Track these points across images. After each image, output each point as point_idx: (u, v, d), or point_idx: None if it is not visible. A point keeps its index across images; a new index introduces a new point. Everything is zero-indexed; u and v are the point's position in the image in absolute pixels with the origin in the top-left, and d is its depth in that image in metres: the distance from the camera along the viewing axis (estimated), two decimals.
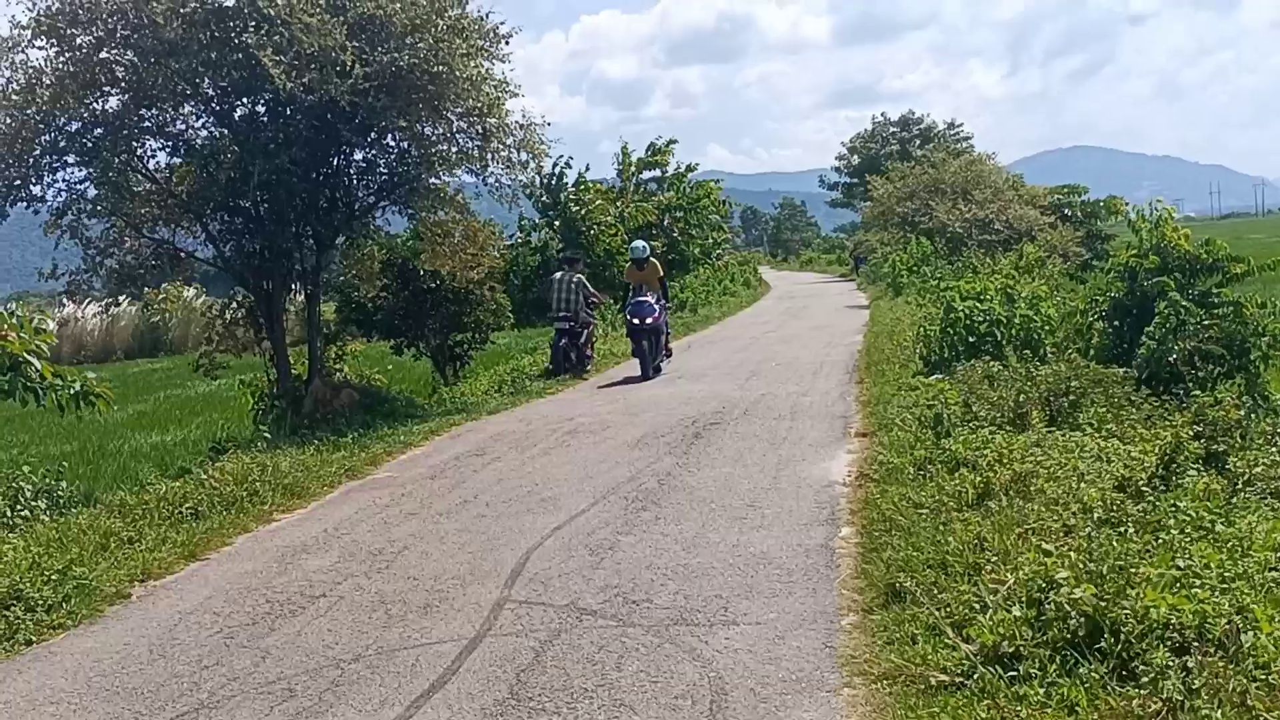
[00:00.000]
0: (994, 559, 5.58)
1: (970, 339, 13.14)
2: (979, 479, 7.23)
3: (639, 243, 19.07)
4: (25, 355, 8.62)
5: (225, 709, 4.94)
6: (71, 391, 8.90)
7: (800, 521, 7.56)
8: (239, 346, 14.56)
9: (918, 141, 68.61)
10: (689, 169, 35.36)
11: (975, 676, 4.44)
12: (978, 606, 5.00)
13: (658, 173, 34.77)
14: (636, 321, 17.07)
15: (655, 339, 17.21)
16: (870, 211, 47.35)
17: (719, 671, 4.96)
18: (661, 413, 12.92)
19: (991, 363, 11.41)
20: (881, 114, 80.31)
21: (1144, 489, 6.53)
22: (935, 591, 5.44)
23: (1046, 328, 13.21)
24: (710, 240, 37.01)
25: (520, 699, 4.80)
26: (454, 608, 6.17)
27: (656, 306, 17.22)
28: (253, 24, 11.76)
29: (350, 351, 15.87)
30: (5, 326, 8.66)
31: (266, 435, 11.86)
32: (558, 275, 19.67)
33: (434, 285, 17.70)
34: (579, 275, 20.63)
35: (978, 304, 13.44)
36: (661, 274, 18.49)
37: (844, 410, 12.28)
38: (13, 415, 10.21)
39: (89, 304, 14.56)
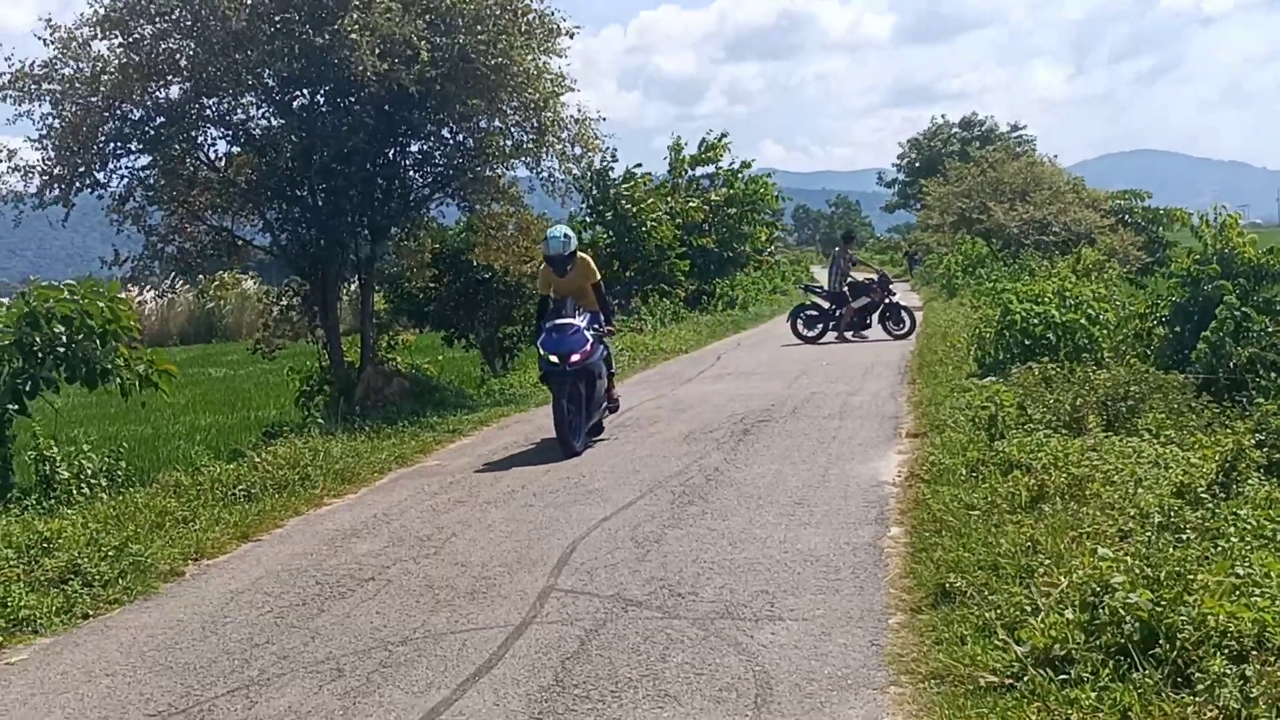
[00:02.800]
0: (1047, 562, 5.50)
1: (1026, 342, 13.00)
2: (1033, 482, 7.13)
3: (559, 229, 11.59)
4: (120, 330, 8.87)
5: (275, 686, 4.99)
6: (141, 371, 9.12)
7: (849, 520, 7.50)
8: (293, 333, 14.75)
9: (978, 143, 68.14)
10: (744, 165, 35.12)
11: (1025, 679, 4.38)
12: (1029, 609, 4.93)
13: (711, 169, 34.59)
14: (555, 360, 10.56)
15: (589, 389, 10.76)
16: (926, 215, 47.12)
17: (764, 666, 4.93)
18: (709, 409, 12.90)
19: (1049, 365, 11.28)
20: (942, 115, 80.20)
21: (1203, 496, 6.42)
22: (985, 593, 5.38)
23: (1104, 332, 13.04)
24: (762, 237, 36.86)
25: (565, 686, 4.80)
26: (500, 594, 6.19)
27: (588, 334, 10.78)
28: (325, 11, 11.89)
29: (402, 341, 15.97)
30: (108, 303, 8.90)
31: (320, 421, 11.97)
32: (835, 251, 22.98)
33: (485, 277, 17.80)
34: (846, 251, 22.94)
35: (1034, 306, 13.29)
36: (599, 278, 11.63)
37: (895, 410, 12.20)
38: (72, 395, 10.44)
39: (147, 289, 14.86)
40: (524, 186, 15.25)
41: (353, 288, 16.35)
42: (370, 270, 14.46)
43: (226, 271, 17.25)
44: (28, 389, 8.82)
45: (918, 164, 73.21)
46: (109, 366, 9.00)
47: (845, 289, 21.98)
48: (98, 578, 6.61)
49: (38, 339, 8.73)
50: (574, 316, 10.83)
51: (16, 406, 8.86)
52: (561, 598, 6.07)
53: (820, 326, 21.79)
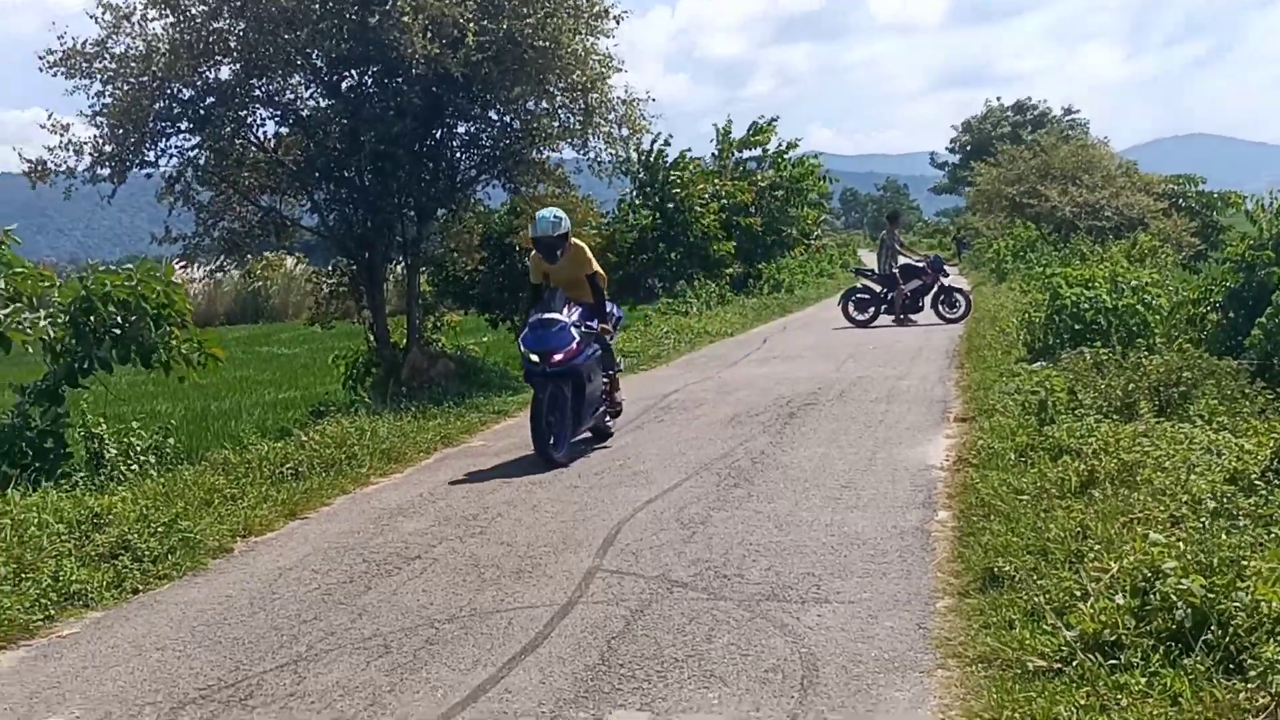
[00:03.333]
0: (1097, 547, 5.45)
1: (1076, 327, 12.86)
2: (1083, 467, 7.07)
3: (549, 211, 10.21)
4: (174, 313, 8.97)
5: (323, 661, 5.03)
6: (185, 351, 9.20)
7: (896, 504, 7.48)
8: (340, 313, 14.86)
9: (1030, 127, 67.49)
10: (790, 146, 34.93)
11: (1074, 663, 4.34)
12: (1078, 594, 4.89)
13: (758, 152, 34.44)
14: (535, 359, 9.48)
15: (577, 393, 9.66)
16: (975, 194, 46.72)
17: (810, 648, 4.92)
18: (755, 392, 12.87)
19: (1101, 350, 11.16)
20: (997, 98, 79.50)
21: (1256, 482, 6.32)
22: (1034, 577, 5.33)
23: (1157, 317, 12.88)
24: (809, 220, 36.67)
25: (611, 665, 4.81)
26: (546, 574, 6.21)
27: (574, 331, 9.66)
28: None
29: (447, 323, 16.03)
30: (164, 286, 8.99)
31: (367, 401, 12.03)
32: (883, 234, 22.81)
33: (529, 263, 17.81)
34: (893, 231, 22.81)
35: (1085, 291, 13.15)
36: (596, 268, 10.34)
37: (943, 395, 12.13)
38: (120, 374, 10.58)
39: (196, 268, 14.93)
40: (570, 168, 15.24)
41: (398, 269, 16.42)
42: (416, 252, 14.51)
43: (273, 252, 17.38)
44: (83, 367, 8.91)
45: (969, 147, 72.63)
46: (160, 348, 9.08)
47: (896, 271, 21.82)
48: (147, 553, 6.68)
49: (92, 320, 8.82)
50: (561, 311, 9.71)
51: (67, 386, 8.96)
52: (607, 578, 6.09)
53: (872, 310, 21.68)
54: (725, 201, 29.99)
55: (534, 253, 10.30)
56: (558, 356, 9.41)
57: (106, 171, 12.37)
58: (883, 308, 21.66)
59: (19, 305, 8.52)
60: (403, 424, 10.93)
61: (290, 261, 26.87)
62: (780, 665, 4.74)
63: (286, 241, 15.19)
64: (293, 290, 36.46)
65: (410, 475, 9.41)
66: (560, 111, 13.91)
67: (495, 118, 14.16)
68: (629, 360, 16.66)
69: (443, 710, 4.43)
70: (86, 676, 5.05)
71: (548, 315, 9.61)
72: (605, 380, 10.32)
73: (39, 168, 12.28)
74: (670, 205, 28.16)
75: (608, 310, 10.36)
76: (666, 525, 7.15)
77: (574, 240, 10.26)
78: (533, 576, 6.18)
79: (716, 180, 30.70)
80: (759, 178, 33.38)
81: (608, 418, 10.45)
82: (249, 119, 13.40)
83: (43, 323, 8.54)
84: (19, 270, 8.69)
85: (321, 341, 19.72)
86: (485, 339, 18.84)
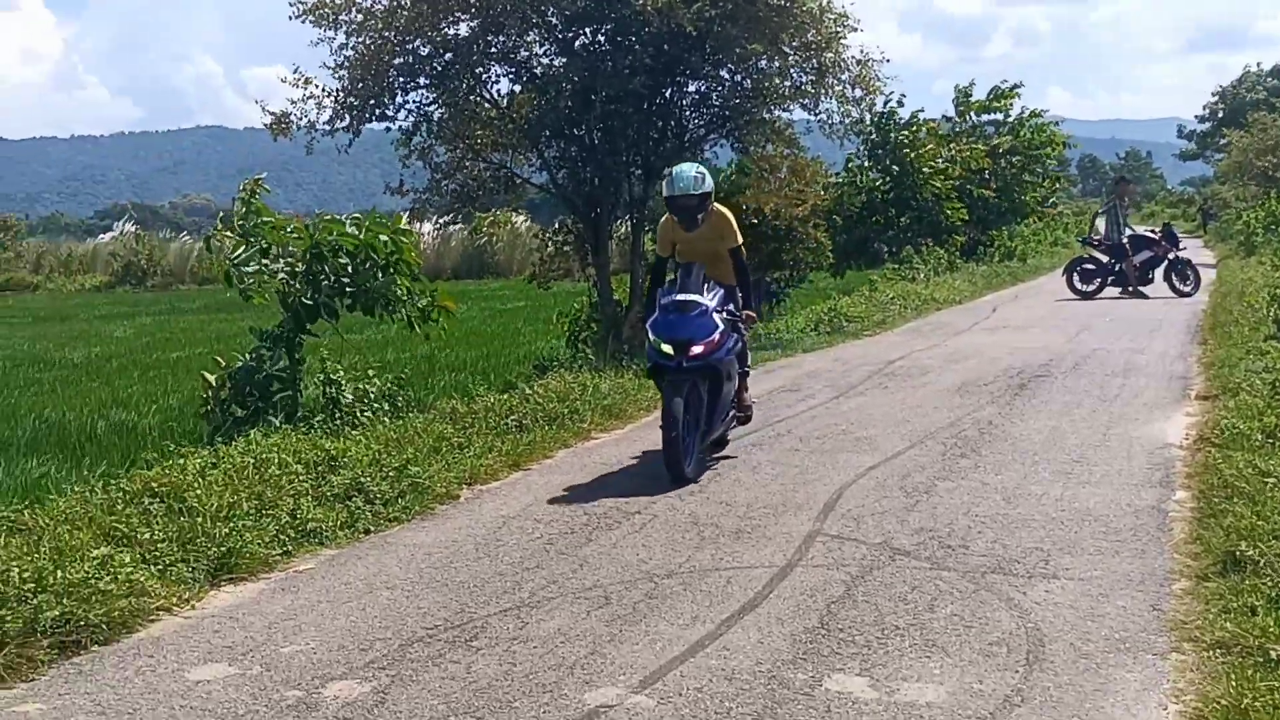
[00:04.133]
0: None
1: None
2: None
3: (690, 166, 8.49)
4: (402, 262, 9.23)
5: (545, 609, 5.10)
6: (420, 306, 9.44)
7: (1131, 481, 7.14)
8: (563, 270, 15.08)
9: None
10: (1033, 114, 33.65)
11: None
12: None
13: (998, 116, 33.34)
14: (668, 350, 7.69)
15: (712, 392, 7.86)
16: (1225, 164, 44.12)
17: (1037, 623, 4.74)
18: (984, 361, 12.52)
19: None
20: (1257, 64, 75.12)
21: None
22: None
23: None
24: (1045, 188, 35.31)
25: (830, 629, 4.73)
26: (765, 536, 6.16)
27: (717, 318, 7.89)
28: None
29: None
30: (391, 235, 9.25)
31: (589, 357, 12.16)
32: (1112, 200, 22.31)
33: (754, 221, 17.68)
34: (1122, 198, 22.26)
35: None
36: (740, 242, 8.50)
37: (1183, 371, 11.55)
38: (350, 324, 10.98)
39: (425, 223, 15.34)
40: (799, 128, 15.03)
41: (623, 228, 16.55)
42: (642, 210, 14.58)
43: (500, 209, 17.71)
44: (312, 315, 9.19)
45: (1220, 114, 68.65)
46: (390, 297, 9.31)
47: (1125, 241, 20.77)
48: (379, 496, 6.92)
49: (325, 269, 9.11)
50: (702, 292, 7.90)
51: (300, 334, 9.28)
52: (827, 542, 6.00)
53: (1098, 281, 20.77)
54: (961, 166, 29.10)
55: (665, 217, 8.60)
56: (697, 349, 7.65)
57: (345, 123, 12.79)
58: (1109, 279, 20.70)
59: (261, 250, 8.85)
60: (624, 381, 11.02)
61: (517, 218, 27.40)
62: (1005, 639, 4.58)
63: (515, 200, 15.46)
64: (518, 247, 37.22)
65: (630, 431, 9.49)
66: (792, 71, 13.72)
67: (726, 76, 14.06)
68: (853, 325, 16.42)
69: (662, 662, 4.43)
70: (321, 610, 5.25)
71: (685, 297, 7.82)
72: (745, 373, 8.70)
73: (282, 120, 12.79)
74: (898, 168, 27.51)
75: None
76: (889, 492, 7.01)
77: (716, 206, 8.49)
78: (752, 537, 6.14)
79: (951, 144, 29.80)
80: (996, 142, 32.30)
81: (734, 423, 8.63)
82: (484, 75, 13.67)
83: (281, 274, 8.89)
84: (267, 220, 9.04)
85: (543, 299, 20.09)
86: None
